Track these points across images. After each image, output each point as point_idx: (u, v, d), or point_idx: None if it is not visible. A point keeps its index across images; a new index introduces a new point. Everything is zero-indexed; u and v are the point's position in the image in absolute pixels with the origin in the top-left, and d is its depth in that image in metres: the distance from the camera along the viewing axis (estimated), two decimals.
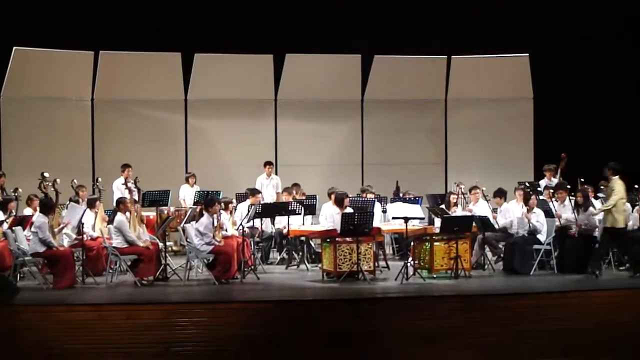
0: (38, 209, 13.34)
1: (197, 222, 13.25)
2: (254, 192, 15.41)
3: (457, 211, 14.80)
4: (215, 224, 13.33)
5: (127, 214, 13.28)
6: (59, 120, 18.45)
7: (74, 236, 13.56)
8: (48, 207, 12.84)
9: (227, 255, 13.11)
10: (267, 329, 10.83)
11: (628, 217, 13.57)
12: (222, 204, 14.04)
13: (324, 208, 14.42)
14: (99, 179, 15.25)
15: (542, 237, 13.78)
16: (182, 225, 13.77)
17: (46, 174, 13.67)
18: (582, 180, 14.96)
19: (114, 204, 13.69)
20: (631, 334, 11.20)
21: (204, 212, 13.32)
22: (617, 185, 13.18)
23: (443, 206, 14.88)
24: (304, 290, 12.69)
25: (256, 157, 18.34)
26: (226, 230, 13.82)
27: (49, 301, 11.48)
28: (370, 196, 15.85)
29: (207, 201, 13.57)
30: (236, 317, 10.98)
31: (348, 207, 13.96)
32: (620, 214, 13.12)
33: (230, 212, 14.53)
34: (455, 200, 14.94)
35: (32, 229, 12.71)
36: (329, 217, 14.04)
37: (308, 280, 13.37)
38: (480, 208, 14.72)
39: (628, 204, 13.80)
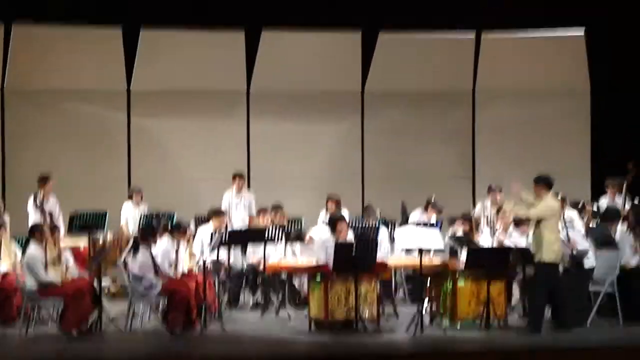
0: None
1: (133, 258, 13.25)
2: (217, 213, 15.40)
3: (482, 238, 14.84)
4: (171, 256, 13.48)
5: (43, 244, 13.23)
6: None
7: None
8: None
9: (183, 298, 13.10)
10: None
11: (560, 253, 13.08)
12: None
13: (316, 230, 14.40)
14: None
15: (588, 261, 13.68)
16: (122, 258, 13.74)
17: None
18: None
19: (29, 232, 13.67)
20: None
21: (139, 246, 13.31)
22: (546, 202, 13.03)
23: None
24: (285, 345, 12.67)
25: (222, 167, 18.40)
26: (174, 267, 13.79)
27: None
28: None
29: (144, 231, 13.60)
30: None
31: (346, 233, 13.90)
32: (544, 245, 12.85)
33: (188, 241, 14.51)
34: (479, 222, 15.06)
35: None
36: (321, 243, 14.00)
37: (290, 333, 13.34)
38: (517, 236, 14.68)
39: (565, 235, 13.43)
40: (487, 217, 15.27)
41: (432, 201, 16.38)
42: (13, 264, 13.61)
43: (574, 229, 14.03)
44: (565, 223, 13.77)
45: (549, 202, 13.06)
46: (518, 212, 13.47)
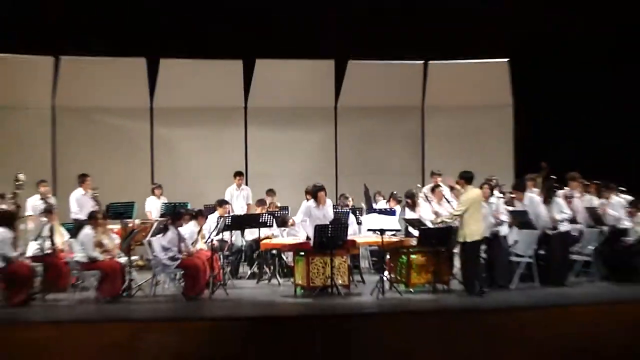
0: None
1: (163, 235, 13.25)
2: (221, 203, 15.40)
3: (422, 211, 14.80)
4: (195, 236, 13.67)
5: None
6: (18, 129, 18.34)
7: (48, 245, 13.37)
8: (8, 219, 12.74)
9: (195, 270, 13.11)
10: (237, 347, 10.75)
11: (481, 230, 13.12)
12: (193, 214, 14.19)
13: (303, 206, 14.37)
14: (47, 192, 15.24)
15: (503, 228, 13.74)
16: (147, 238, 13.73)
17: (21, 176, 13.73)
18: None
19: (73, 217, 13.57)
20: (619, 349, 11.21)
21: (169, 227, 13.32)
22: (466, 194, 13.07)
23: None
24: (276, 306, 12.69)
25: (225, 167, 18.36)
26: (193, 244, 13.77)
27: (3, 320, 11.43)
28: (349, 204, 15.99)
29: (174, 215, 13.69)
30: (205, 335, 10.91)
31: (325, 200, 13.85)
32: (465, 228, 12.89)
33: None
34: (417, 200, 15.08)
35: None
36: (305, 208, 13.89)
37: (280, 297, 13.37)
38: (448, 207, 14.63)
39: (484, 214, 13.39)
40: (426, 195, 15.24)
41: (394, 194, 16.45)
42: (63, 242, 13.58)
43: (501, 202, 14.07)
44: (497, 197, 13.96)
45: (468, 193, 13.08)
46: (447, 219, 13.46)
